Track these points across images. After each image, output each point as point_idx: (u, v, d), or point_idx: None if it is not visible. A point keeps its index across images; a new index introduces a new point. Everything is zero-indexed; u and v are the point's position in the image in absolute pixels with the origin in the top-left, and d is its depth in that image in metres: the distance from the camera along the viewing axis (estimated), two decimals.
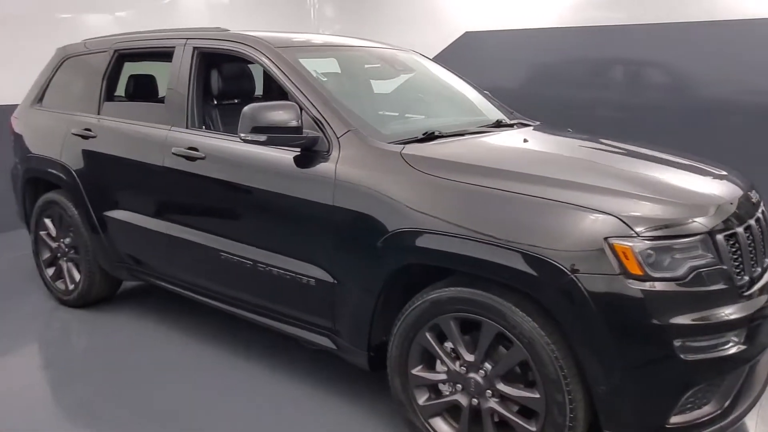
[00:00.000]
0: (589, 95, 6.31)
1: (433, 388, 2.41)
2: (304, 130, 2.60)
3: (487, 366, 2.23)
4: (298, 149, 2.65)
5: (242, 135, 2.60)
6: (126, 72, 3.86)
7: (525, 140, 2.86)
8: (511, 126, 3.18)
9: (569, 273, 1.95)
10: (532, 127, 3.21)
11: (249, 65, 3.46)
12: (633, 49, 6.01)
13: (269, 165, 2.75)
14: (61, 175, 3.79)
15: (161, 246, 3.33)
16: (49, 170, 3.88)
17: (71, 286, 3.94)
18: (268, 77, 3.67)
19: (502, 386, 2.20)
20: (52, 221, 3.99)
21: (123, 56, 3.76)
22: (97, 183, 3.63)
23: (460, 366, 2.29)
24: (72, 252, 3.93)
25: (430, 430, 2.39)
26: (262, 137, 2.57)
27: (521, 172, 2.26)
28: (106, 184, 3.60)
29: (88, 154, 3.64)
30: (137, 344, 3.48)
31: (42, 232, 4.07)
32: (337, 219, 2.50)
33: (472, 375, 2.26)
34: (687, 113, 5.69)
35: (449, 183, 2.27)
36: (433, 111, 3.55)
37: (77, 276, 3.91)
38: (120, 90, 3.87)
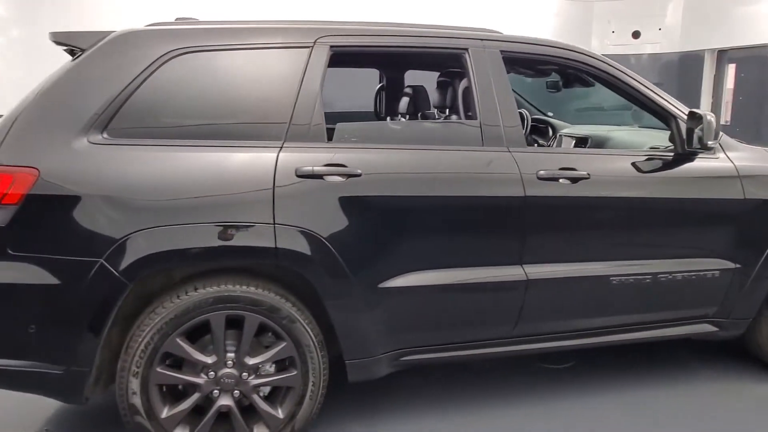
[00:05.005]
0: None
1: None
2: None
3: None
4: (670, 156, 3.05)
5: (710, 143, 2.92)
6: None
7: None
8: None
9: None
10: None
11: None
12: None
13: (663, 172, 2.99)
14: (289, 248, 2.41)
15: (503, 298, 2.82)
16: (247, 246, 2.40)
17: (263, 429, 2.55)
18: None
19: None
20: (189, 339, 2.45)
21: (340, 56, 2.75)
22: (368, 246, 2.56)
23: None
24: (252, 376, 2.51)
25: None
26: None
27: None
28: (388, 243, 2.60)
29: (349, 205, 2.50)
30: None
31: (164, 370, 2.41)
32: (748, 209, 3.06)
33: None
34: None
35: None
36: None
37: (273, 410, 2.54)
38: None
